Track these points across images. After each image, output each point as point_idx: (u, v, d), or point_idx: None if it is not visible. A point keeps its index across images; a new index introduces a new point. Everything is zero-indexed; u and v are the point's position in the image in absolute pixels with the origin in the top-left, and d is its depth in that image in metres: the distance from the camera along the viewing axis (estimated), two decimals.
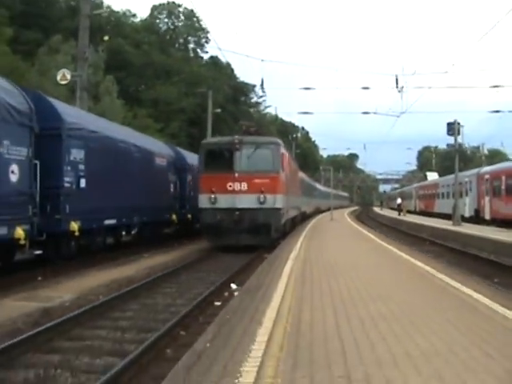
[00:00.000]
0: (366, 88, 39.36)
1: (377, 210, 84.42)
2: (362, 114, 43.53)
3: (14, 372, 6.54)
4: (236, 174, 19.87)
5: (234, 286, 12.38)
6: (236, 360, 5.08)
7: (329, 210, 46.97)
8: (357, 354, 5.26)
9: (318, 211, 57.73)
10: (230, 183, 19.78)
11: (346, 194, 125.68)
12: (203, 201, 20.13)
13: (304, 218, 39.45)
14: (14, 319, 9.16)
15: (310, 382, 4.46)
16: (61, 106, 15.70)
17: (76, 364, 6.88)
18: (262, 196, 19.66)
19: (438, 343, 5.72)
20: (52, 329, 8.28)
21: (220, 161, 20.49)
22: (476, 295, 8.67)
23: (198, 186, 21.28)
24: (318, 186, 63.03)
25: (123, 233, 20.54)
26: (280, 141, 22.36)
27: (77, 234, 14.77)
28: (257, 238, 19.45)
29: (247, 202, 19.61)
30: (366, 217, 65.12)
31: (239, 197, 19.71)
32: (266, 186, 19.78)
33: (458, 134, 32.48)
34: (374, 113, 39.18)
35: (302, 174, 39.38)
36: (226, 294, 11.69)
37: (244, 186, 19.76)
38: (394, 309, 7.58)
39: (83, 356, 7.17)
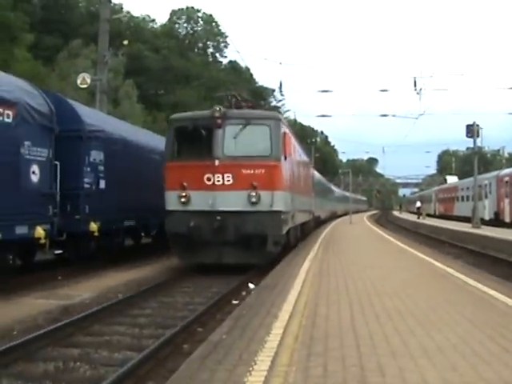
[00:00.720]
0: (384, 90, 39.60)
1: (396, 213, 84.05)
2: (381, 117, 43.57)
3: (34, 364, 6.66)
4: (217, 162, 14.17)
5: (251, 285, 12.40)
6: (251, 350, 5.15)
7: (346, 214, 46.17)
8: (371, 346, 5.30)
9: (335, 216, 55.39)
10: (208, 175, 14.16)
11: (364, 198, 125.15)
12: (171, 200, 14.59)
13: (318, 224, 34.17)
14: (35, 316, 9.29)
15: (324, 371, 4.51)
16: (81, 108, 15.88)
17: (95, 357, 6.99)
18: (254, 193, 14.02)
19: (454, 337, 5.72)
20: (72, 324, 8.40)
21: (195, 143, 14.65)
22: (494, 293, 8.64)
23: (164, 180, 15.02)
24: (334, 187, 60.24)
25: (142, 234, 20.68)
26: (281, 116, 16.53)
27: (96, 234, 14.89)
28: (247, 255, 14.02)
29: (233, 202, 14.10)
30: (385, 220, 64.85)
31: (222, 195, 14.13)
32: (261, 178, 14.14)
33: (478, 136, 32.24)
34: (393, 115, 39.10)
35: (315, 171, 34.11)
36: (244, 293, 11.73)
37: (228, 178, 14.15)
38: (411, 305, 7.59)
39: (102, 350, 7.28)
